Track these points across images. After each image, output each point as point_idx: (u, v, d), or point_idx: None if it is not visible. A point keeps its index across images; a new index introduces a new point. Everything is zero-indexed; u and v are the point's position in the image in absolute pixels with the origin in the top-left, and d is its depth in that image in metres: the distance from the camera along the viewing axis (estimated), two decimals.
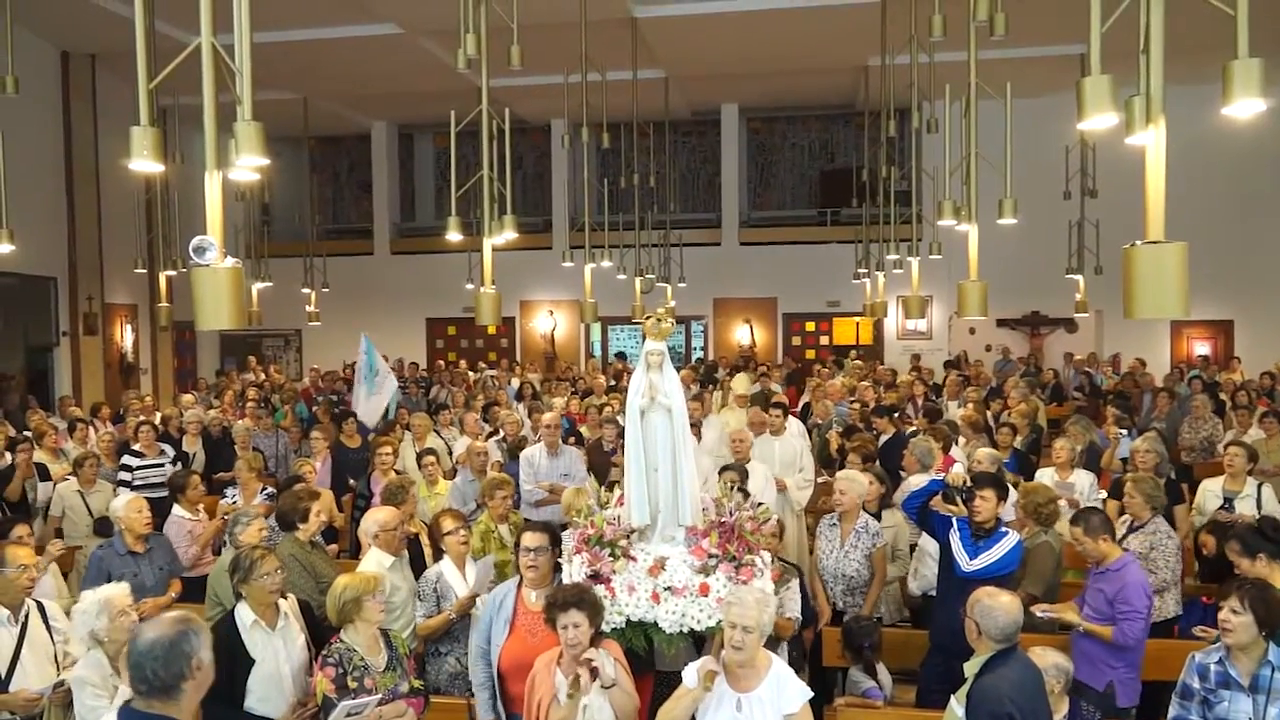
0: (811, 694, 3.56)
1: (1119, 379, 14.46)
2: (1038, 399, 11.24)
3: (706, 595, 4.02)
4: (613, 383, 13.17)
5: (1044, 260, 14.82)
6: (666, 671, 4.28)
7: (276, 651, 4.04)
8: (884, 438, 8.80)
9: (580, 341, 19.35)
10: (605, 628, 3.91)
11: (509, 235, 7.14)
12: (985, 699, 3.44)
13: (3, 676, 4.06)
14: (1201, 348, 17.07)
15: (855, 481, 5.77)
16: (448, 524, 5.07)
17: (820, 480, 8.32)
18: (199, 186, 3.41)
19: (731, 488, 5.22)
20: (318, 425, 9.51)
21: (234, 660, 3.95)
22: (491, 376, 14.78)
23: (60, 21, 12.99)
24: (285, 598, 4.24)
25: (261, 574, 4.06)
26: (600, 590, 3.98)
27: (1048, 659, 3.77)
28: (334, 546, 6.78)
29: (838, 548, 5.66)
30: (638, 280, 12.70)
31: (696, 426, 8.07)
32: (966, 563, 4.72)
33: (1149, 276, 2.95)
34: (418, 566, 5.34)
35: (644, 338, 4.39)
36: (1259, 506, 6.40)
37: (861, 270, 13.78)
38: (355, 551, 6.59)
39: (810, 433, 10.13)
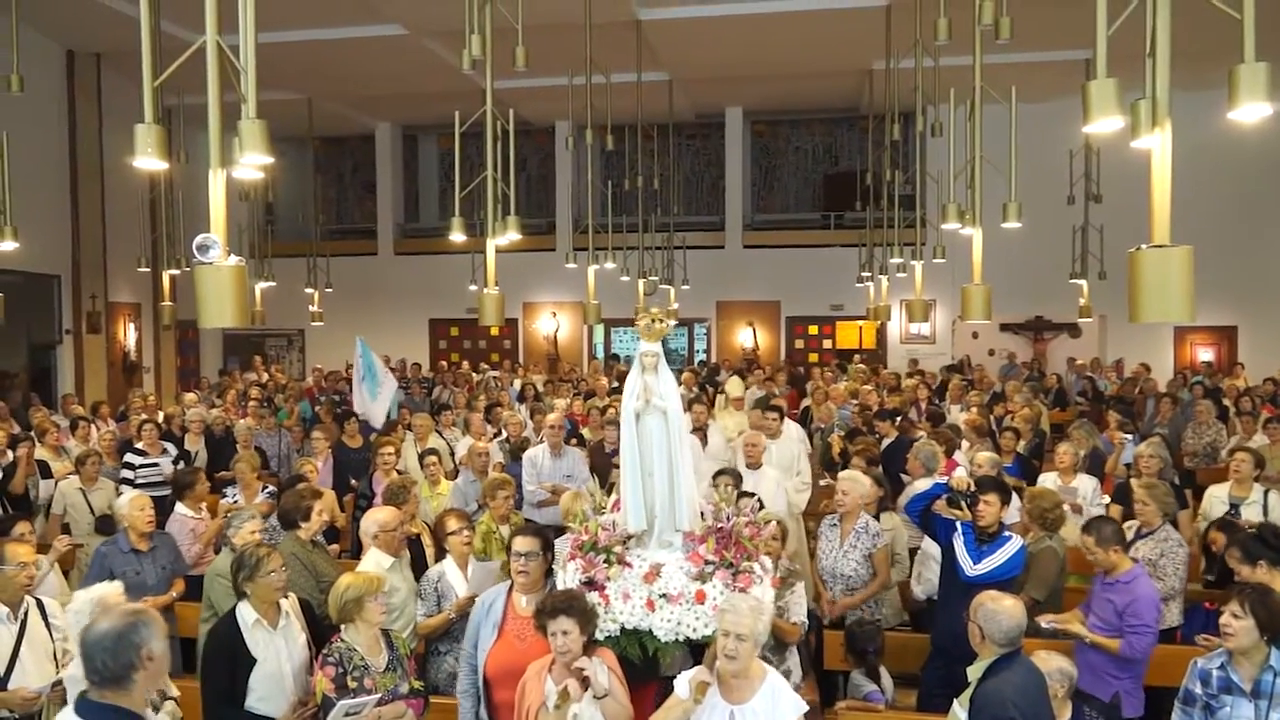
0: (806, 708, 3.47)
1: (1122, 384, 14.44)
2: (1041, 404, 11.23)
3: (703, 603, 3.89)
4: (615, 384, 13.16)
5: (1047, 265, 14.82)
6: (671, 679, 4.22)
7: (278, 650, 4.04)
8: (886, 441, 8.79)
9: (583, 343, 19.35)
10: (599, 636, 3.81)
11: (512, 236, 7.14)
12: (988, 703, 3.43)
13: (2, 674, 4.06)
14: (1205, 353, 17.03)
15: (857, 482, 5.77)
16: (452, 524, 5.07)
17: (822, 483, 8.30)
18: (203, 186, 3.42)
19: (730, 491, 5.18)
20: (319, 425, 9.52)
21: (236, 659, 3.95)
22: (494, 377, 14.79)
23: (66, 21, 13.02)
24: (286, 597, 4.23)
25: (267, 571, 4.06)
26: (594, 597, 3.87)
27: (1052, 663, 3.75)
28: (335, 546, 6.78)
29: (837, 547, 5.67)
30: (641, 282, 12.68)
31: (703, 430, 8.06)
32: (971, 567, 4.71)
33: (1155, 280, 2.95)
34: (419, 567, 5.34)
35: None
36: (1265, 513, 6.37)
37: (865, 274, 13.78)
38: (357, 552, 6.58)
39: (812, 436, 10.12)
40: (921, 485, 6.08)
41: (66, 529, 7.05)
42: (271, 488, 7.20)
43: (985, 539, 4.80)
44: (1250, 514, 6.41)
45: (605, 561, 4.01)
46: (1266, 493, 6.56)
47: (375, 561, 4.85)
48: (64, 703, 3.94)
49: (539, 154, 19.87)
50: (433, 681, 4.71)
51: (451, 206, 6.84)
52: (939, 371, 15.33)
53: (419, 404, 12.86)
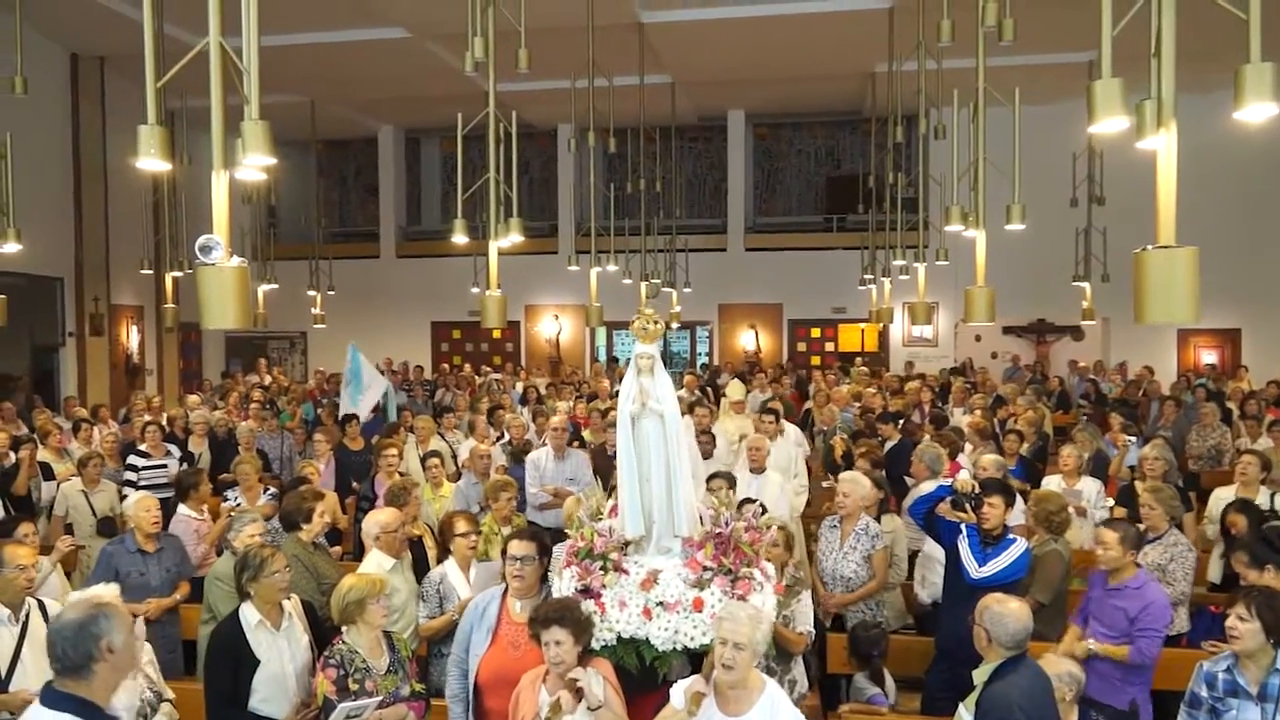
0: None
1: (1125, 386, 14.41)
2: (1044, 406, 11.21)
3: (700, 610, 3.75)
4: (618, 387, 13.13)
5: (1050, 267, 14.80)
6: None
7: (281, 652, 4.03)
8: (890, 444, 8.77)
9: (585, 346, 19.35)
10: (595, 645, 3.70)
11: (515, 239, 7.14)
12: (995, 706, 3.41)
13: (3, 676, 4.05)
14: (1208, 356, 17.00)
15: (858, 484, 5.76)
16: (460, 525, 5.03)
17: (825, 485, 8.29)
18: (206, 189, 3.41)
19: (726, 495, 5.11)
20: (321, 428, 9.52)
21: (239, 660, 3.95)
22: (496, 380, 14.78)
23: (70, 24, 13.05)
24: (289, 598, 4.23)
25: (272, 571, 4.06)
26: (590, 606, 3.76)
27: (1060, 667, 3.73)
28: (337, 548, 6.78)
29: (837, 549, 5.65)
30: (643, 285, 12.70)
31: (708, 434, 8.05)
32: (976, 570, 4.70)
33: (1160, 281, 2.94)
34: (421, 569, 5.33)
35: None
36: (1273, 516, 6.34)
37: (867, 276, 13.76)
38: (359, 553, 6.57)
39: (814, 439, 10.09)
40: (926, 488, 6.06)
41: (68, 531, 7.05)
42: (273, 490, 7.20)
43: (990, 542, 4.79)
44: None
45: (601, 568, 3.90)
46: (1273, 496, 6.54)
47: (377, 563, 4.84)
48: None
49: (541, 156, 19.89)
50: (434, 684, 4.69)
51: (454, 209, 6.84)
52: (938, 373, 15.31)
53: (421, 406, 12.85)
